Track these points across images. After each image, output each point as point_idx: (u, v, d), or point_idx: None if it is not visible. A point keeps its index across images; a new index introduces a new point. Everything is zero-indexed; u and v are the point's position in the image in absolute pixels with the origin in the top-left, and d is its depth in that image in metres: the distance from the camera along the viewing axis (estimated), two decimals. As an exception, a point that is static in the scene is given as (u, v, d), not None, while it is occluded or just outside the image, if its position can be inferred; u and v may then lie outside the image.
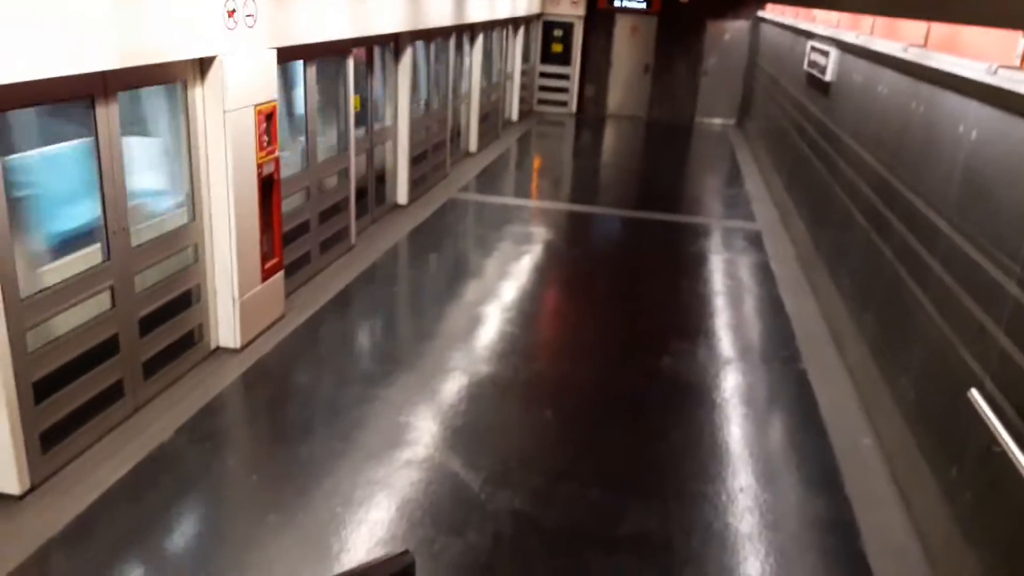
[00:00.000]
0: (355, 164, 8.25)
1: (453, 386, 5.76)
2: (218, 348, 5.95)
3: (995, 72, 4.06)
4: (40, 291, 4.28)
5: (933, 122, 5.15)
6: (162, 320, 5.30)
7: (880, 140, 6.38)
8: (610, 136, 17.01)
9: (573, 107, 18.32)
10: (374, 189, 9.24)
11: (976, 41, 4.61)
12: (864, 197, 6.62)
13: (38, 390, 4.27)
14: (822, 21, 9.72)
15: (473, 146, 13.37)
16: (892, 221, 5.74)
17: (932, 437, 4.45)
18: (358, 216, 8.56)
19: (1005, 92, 3.92)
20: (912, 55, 5.58)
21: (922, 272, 4.94)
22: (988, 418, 3.42)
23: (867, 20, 7.46)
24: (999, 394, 3.63)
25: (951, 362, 4.27)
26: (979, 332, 3.96)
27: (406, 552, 2.06)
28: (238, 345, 5.95)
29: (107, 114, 4.59)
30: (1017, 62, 3.98)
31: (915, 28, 5.86)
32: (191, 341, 5.69)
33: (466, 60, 12.52)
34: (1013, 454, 3.14)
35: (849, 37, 7.75)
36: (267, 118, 5.99)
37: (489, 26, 13.45)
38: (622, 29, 17.83)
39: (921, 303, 4.89)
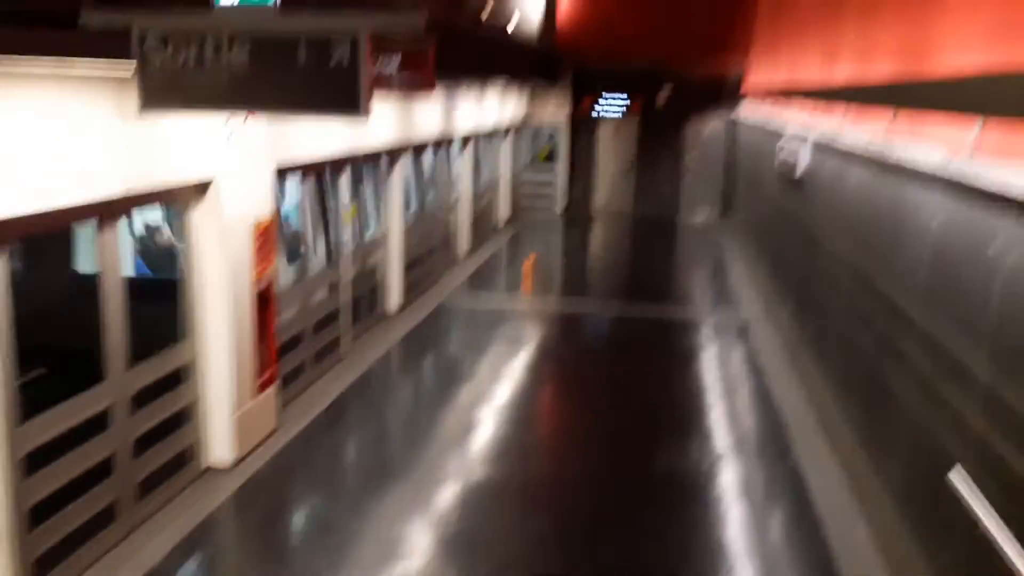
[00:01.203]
0: (348, 273, 8.45)
1: (446, 494, 5.76)
2: (209, 468, 5.93)
3: (949, 163, 4.29)
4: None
5: (899, 213, 5.37)
6: (156, 439, 5.34)
7: (852, 231, 6.61)
8: (598, 233, 17.39)
9: (561, 207, 18.79)
10: (367, 298, 9.41)
11: (935, 134, 4.86)
12: (842, 287, 6.80)
13: (33, 514, 4.29)
14: (793, 119, 10.16)
15: (464, 250, 13.67)
16: (868, 309, 5.89)
17: (921, 522, 4.46)
18: (351, 323, 8.70)
19: (958, 182, 4.13)
20: (876, 149, 5.86)
21: (900, 359, 5.06)
22: (968, 501, 3.47)
23: (836, 118, 7.82)
24: (981, 474, 3.68)
25: (933, 446, 4.33)
26: (957, 416, 4.04)
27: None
28: (231, 461, 5.96)
29: (108, 239, 4.78)
30: (969, 152, 4.21)
31: (878, 124, 6.16)
32: (184, 460, 5.70)
33: (456, 168, 12.96)
34: (993, 535, 3.17)
35: (817, 133, 8.12)
36: (264, 233, 6.19)
37: (478, 135, 13.99)
38: (605, 130, 18.52)
39: (902, 389, 4.98)
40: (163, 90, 3.86)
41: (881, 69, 6.24)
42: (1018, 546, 3.19)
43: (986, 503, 3.49)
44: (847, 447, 6.19)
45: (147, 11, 4.00)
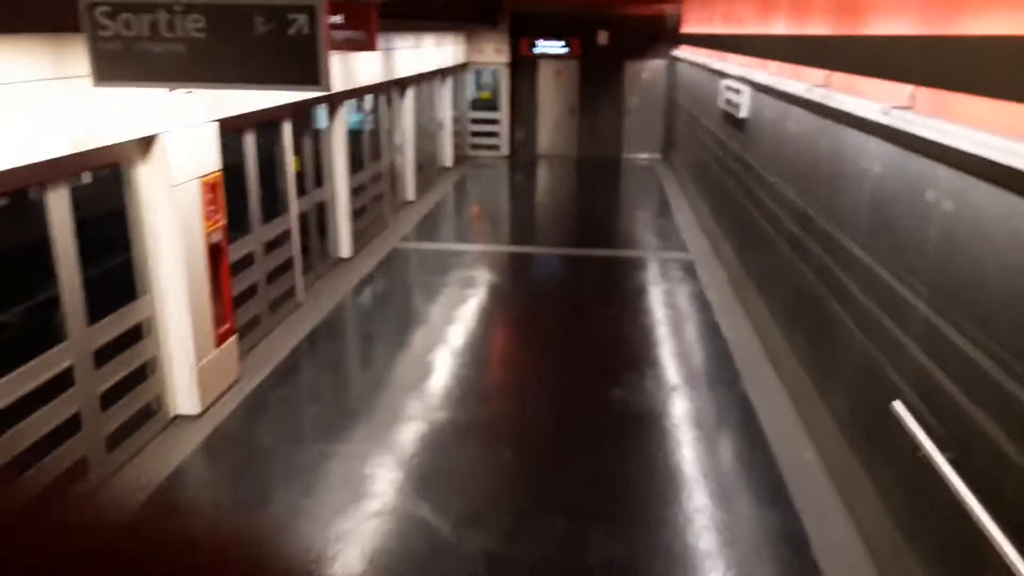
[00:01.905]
0: (298, 222, 8.41)
1: (413, 433, 5.93)
2: (177, 416, 5.99)
3: (888, 112, 4.51)
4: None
5: (840, 157, 5.62)
6: (122, 393, 5.35)
7: (795, 173, 6.86)
8: (543, 176, 17.49)
9: (505, 150, 18.79)
10: (318, 245, 9.39)
11: (871, 87, 5.08)
12: (785, 226, 7.09)
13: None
14: (733, 60, 10.33)
15: (411, 195, 13.63)
16: (812, 248, 6.18)
17: (865, 445, 4.82)
18: (304, 272, 8.69)
19: (898, 131, 4.36)
20: (816, 95, 6.07)
21: (843, 294, 5.36)
22: (910, 428, 3.78)
23: (774, 67, 8.01)
24: (920, 404, 4.01)
25: (876, 377, 4.66)
26: (897, 348, 4.35)
27: None
28: (198, 411, 6.02)
29: (58, 200, 4.69)
30: (907, 103, 4.44)
31: (816, 74, 6.37)
32: (151, 411, 5.73)
33: (398, 113, 12.82)
34: (933, 459, 3.48)
35: (760, 77, 8.30)
36: (212, 188, 6.13)
37: (418, 79, 13.81)
38: (546, 73, 18.44)
39: (844, 323, 5.29)
40: (117, 62, 3.74)
41: (815, 27, 6.42)
42: (952, 469, 3.51)
43: (921, 428, 3.81)
44: (793, 377, 6.55)
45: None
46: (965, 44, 3.01)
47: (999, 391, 3.25)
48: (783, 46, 7.10)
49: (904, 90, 4.42)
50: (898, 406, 4.01)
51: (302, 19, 3.55)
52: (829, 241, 5.75)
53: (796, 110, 6.87)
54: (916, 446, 3.78)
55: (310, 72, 3.64)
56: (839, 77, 5.68)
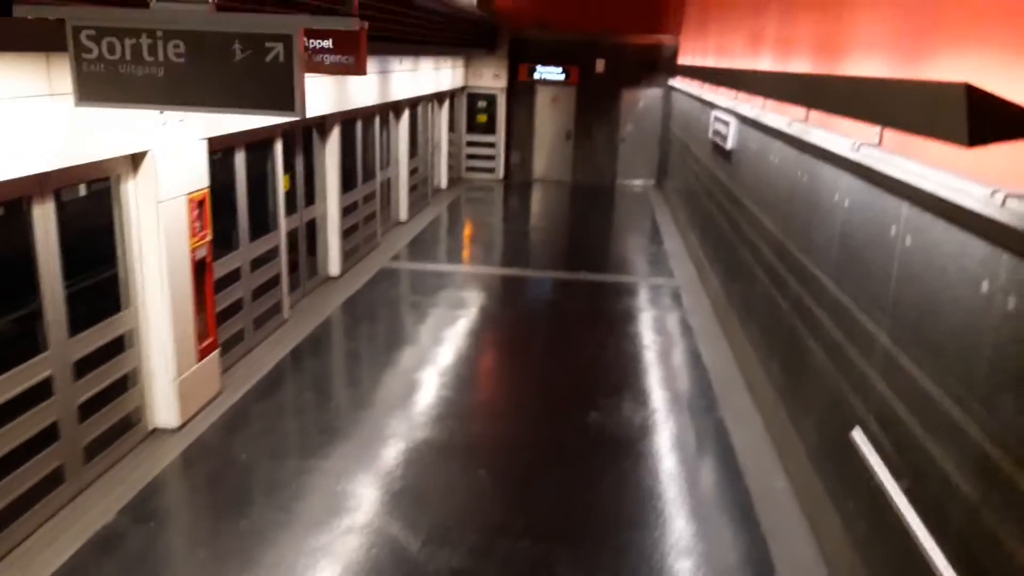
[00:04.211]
0: (286, 240, 8.51)
1: (391, 452, 5.99)
2: (156, 429, 6.05)
3: (858, 149, 4.63)
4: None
5: (815, 190, 5.74)
6: (101, 404, 5.42)
7: (774, 204, 6.99)
8: (537, 199, 17.64)
9: (500, 173, 18.97)
10: (305, 263, 9.49)
11: (844, 125, 5.21)
12: (764, 256, 7.20)
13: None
14: (724, 92, 10.50)
15: (404, 215, 13.75)
16: (788, 279, 6.29)
17: (831, 474, 4.89)
18: (290, 290, 8.78)
19: (866, 167, 4.48)
20: (795, 130, 6.21)
21: (814, 325, 5.46)
22: (866, 455, 3.86)
23: (759, 100, 8.16)
24: (880, 433, 4.09)
25: (842, 405, 4.74)
26: (861, 378, 4.44)
27: None
28: (177, 424, 6.08)
29: (44, 212, 4.79)
30: (876, 140, 4.56)
31: (796, 110, 6.51)
32: (130, 423, 5.80)
33: (393, 134, 12.98)
34: (887, 487, 3.56)
35: (745, 110, 8.46)
36: (199, 205, 6.24)
37: (415, 102, 13.99)
38: (543, 99, 18.67)
39: (815, 353, 5.39)
40: (99, 84, 3.85)
41: (797, 64, 6.58)
42: (904, 498, 3.59)
43: (879, 457, 3.89)
44: (768, 405, 6.63)
45: (81, 4, 4.00)
46: (921, 88, 3.13)
47: (949, 421, 3.34)
48: (766, 82, 7.26)
49: (874, 129, 4.55)
50: (856, 434, 4.08)
51: (279, 47, 3.67)
52: (802, 272, 5.86)
53: (777, 144, 7.00)
54: (871, 474, 3.86)
55: (285, 98, 3.75)
56: (816, 114, 5.82)
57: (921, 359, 3.68)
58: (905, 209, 4.02)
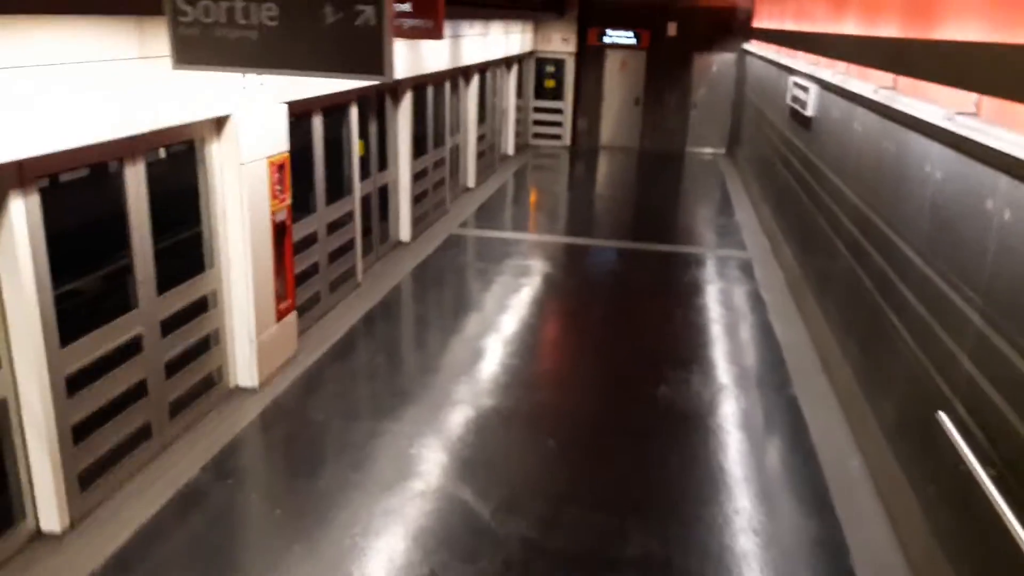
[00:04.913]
0: (360, 205, 8.62)
1: (459, 417, 6.07)
2: (236, 388, 6.25)
3: (953, 118, 4.42)
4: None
5: (903, 160, 5.52)
6: (185, 363, 5.62)
7: (857, 174, 6.75)
8: (603, 167, 17.44)
9: (567, 140, 18.79)
10: (378, 228, 9.60)
11: (937, 91, 4.98)
12: (845, 228, 6.98)
13: (76, 432, 4.58)
14: (803, 57, 10.14)
15: (472, 182, 13.77)
16: (871, 252, 6.09)
17: (911, 457, 4.76)
18: (364, 255, 8.91)
19: (961, 137, 4.28)
20: (882, 97, 5.96)
21: (898, 301, 5.28)
22: (955, 439, 3.73)
23: (841, 66, 7.85)
24: (967, 416, 3.95)
25: (925, 386, 4.59)
26: (949, 358, 4.29)
27: None
28: (255, 384, 6.26)
29: (135, 174, 4.94)
30: (973, 109, 4.35)
31: (883, 76, 6.24)
32: (212, 382, 6.00)
33: (462, 100, 12.95)
34: (977, 473, 3.44)
35: (827, 75, 8.16)
36: (279, 168, 6.34)
37: (484, 67, 13.92)
38: (612, 64, 18.35)
39: (898, 330, 5.22)
40: (194, 47, 3.94)
41: (885, 28, 6.28)
42: (995, 486, 3.47)
43: (965, 442, 3.76)
44: (844, 383, 6.48)
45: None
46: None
47: (1047, 409, 3.20)
48: (850, 46, 6.97)
49: (970, 96, 4.33)
50: (943, 417, 3.95)
51: (369, 10, 3.70)
52: (887, 246, 5.66)
53: (861, 111, 6.74)
54: (959, 459, 3.74)
55: (375, 61, 3.78)
56: (905, 80, 5.57)
57: (1017, 339, 3.53)
58: (1004, 182, 3.83)
